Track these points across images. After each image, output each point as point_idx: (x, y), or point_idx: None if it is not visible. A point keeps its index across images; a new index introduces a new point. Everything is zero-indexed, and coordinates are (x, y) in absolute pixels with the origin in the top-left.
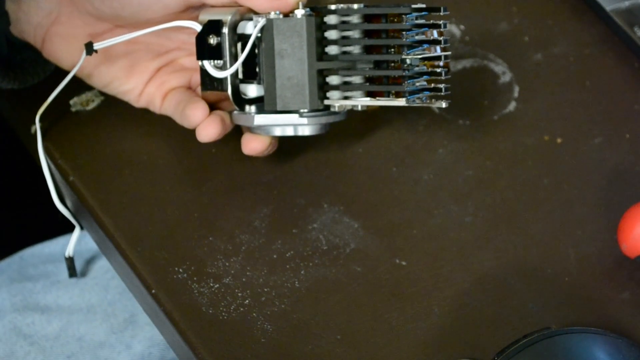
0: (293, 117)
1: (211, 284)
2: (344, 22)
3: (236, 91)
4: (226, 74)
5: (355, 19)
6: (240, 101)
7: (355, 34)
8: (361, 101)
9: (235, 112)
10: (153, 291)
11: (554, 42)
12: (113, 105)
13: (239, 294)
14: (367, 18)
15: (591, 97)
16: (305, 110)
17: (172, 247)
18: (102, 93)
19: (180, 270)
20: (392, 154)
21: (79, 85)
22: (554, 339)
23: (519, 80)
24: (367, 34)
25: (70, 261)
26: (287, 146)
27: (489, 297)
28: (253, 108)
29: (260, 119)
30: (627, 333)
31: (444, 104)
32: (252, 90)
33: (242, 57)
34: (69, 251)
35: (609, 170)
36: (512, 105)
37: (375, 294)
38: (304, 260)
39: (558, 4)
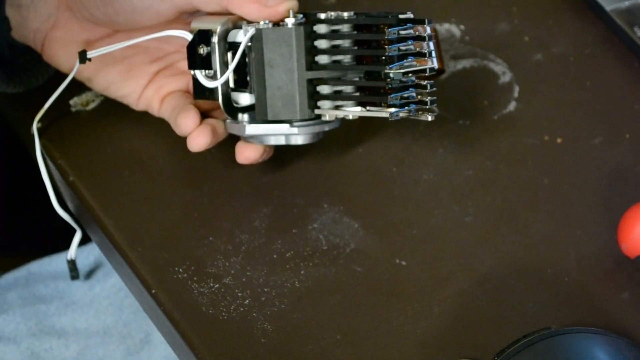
0: (284, 127)
1: (211, 284)
2: (333, 31)
3: (227, 100)
4: (217, 83)
5: (345, 28)
6: (232, 110)
7: (345, 43)
8: (351, 111)
9: (228, 120)
10: (153, 291)
11: (554, 42)
12: (113, 105)
13: (239, 294)
14: (357, 27)
15: (591, 97)
16: (297, 120)
17: (172, 247)
18: (104, 95)
19: (180, 270)
20: (392, 154)
21: (79, 86)
22: (554, 339)
23: (519, 80)
24: (359, 43)
25: (72, 264)
26: (286, 147)
27: (489, 297)
28: (245, 117)
29: (252, 129)
30: (627, 333)
31: (429, 118)
32: (244, 98)
33: (231, 67)
34: (71, 254)
35: (609, 170)
36: (512, 105)
37: (375, 294)
38: (304, 260)
39: (558, 4)
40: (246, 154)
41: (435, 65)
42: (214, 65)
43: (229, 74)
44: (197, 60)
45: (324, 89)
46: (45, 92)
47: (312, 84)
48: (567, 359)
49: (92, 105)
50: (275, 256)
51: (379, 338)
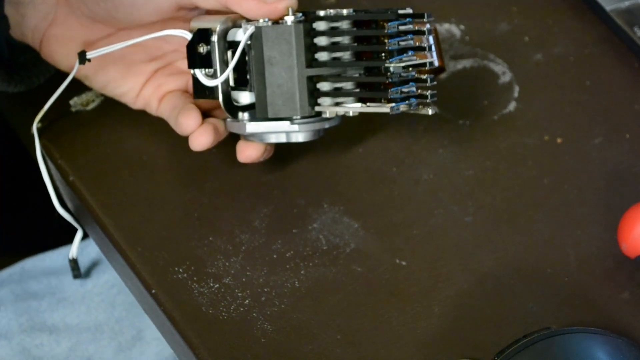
0: (285, 125)
1: (211, 284)
2: (333, 28)
3: (228, 99)
4: (217, 82)
5: (344, 24)
6: (233, 109)
7: (345, 39)
8: (352, 107)
9: (228, 119)
10: (153, 291)
11: (554, 42)
12: (113, 105)
13: (239, 294)
14: (357, 24)
15: (591, 97)
16: (297, 117)
17: (172, 247)
18: (102, 93)
19: (180, 270)
20: (392, 154)
21: (79, 86)
22: (554, 339)
23: (519, 80)
24: (358, 39)
25: (74, 263)
26: (287, 146)
27: (489, 297)
28: (246, 115)
29: (252, 127)
30: (627, 333)
31: (430, 111)
32: (244, 97)
33: (231, 65)
34: (73, 253)
35: (609, 170)
36: (512, 105)
37: (375, 294)
38: (304, 260)
39: (558, 4)
40: (247, 153)
41: (436, 60)
42: (213, 64)
43: (229, 73)
44: (197, 59)
45: (324, 86)
46: (45, 92)
47: (312, 81)
48: (567, 359)
49: (92, 105)
50: (275, 256)
51: (379, 338)
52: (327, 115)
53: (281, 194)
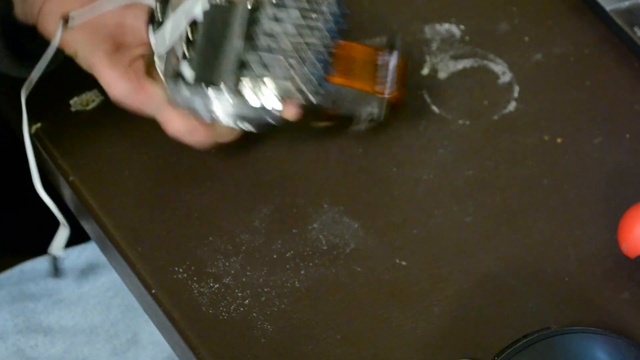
0: (208, 92)
1: (211, 284)
2: (277, 16)
3: (169, 67)
4: (163, 50)
5: (289, 13)
6: (172, 76)
7: (288, 28)
8: (269, 99)
9: (166, 84)
10: (153, 291)
11: (554, 42)
12: (113, 105)
13: (239, 294)
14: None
15: (591, 97)
16: (225, 91)
17: (172, 247)
18: (102, 93)
19: (180, 270)
20: (392, 154)
21: (79, 85)
22: (554, 339)
23: (519, 80)
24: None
25: (55, 261)
26: (287, 146)
27: (489, 297)
28: (179, 82)
29: (178, 90)
30: (627, 333)
31: (313, 99)
32: (187, 70)
33: (174, 35)
34: (56, 250)
35: (609, 170)
36: (512, 105)
37: (375, 294)
38: (304, 260)
39: (558, 4)
40: (173, 123)
41: (386, 86)
42: (166, 33)
43: (174, 41)
44: (154, 26)
45: (252, 70)
46: (45, 91)
47: (245, 63)
48: (567, 359)
49: (92, 105)
50: (275, 256)
51: (379, 338)
52: (248, 95)
53: (281, 194)
